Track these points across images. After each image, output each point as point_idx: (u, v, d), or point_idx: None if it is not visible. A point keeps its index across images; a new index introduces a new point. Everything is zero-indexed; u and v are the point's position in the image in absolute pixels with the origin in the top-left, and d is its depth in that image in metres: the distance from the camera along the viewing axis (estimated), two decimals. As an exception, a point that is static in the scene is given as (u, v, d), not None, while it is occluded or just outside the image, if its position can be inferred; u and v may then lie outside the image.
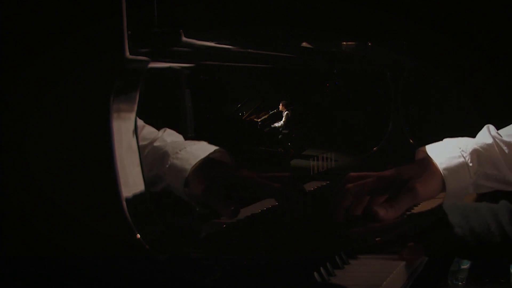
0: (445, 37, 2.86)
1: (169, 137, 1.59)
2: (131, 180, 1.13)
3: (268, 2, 1.89)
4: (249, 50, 1.54)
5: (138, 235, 1.09)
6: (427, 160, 1.65)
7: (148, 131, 1.58)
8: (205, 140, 1.60)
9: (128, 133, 1.14)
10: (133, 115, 1.15)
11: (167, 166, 1.51)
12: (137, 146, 1.16)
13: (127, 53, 1.09)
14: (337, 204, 1.57)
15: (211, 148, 1.55)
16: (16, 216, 1.14)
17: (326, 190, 1.99)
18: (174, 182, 1.52)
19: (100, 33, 1.09)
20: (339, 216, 1.57)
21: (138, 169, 1.15)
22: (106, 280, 1.11)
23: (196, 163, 1.50)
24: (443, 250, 1.39)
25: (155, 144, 1.56)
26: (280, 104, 2.01)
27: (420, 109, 2.88)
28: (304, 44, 1.94)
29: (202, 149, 1.54)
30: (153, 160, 1.53)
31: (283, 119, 2.00)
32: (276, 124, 1.98)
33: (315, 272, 1.23)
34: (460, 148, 1.66)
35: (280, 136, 1.99)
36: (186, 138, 1.63)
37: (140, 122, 1.55)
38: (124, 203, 1.09)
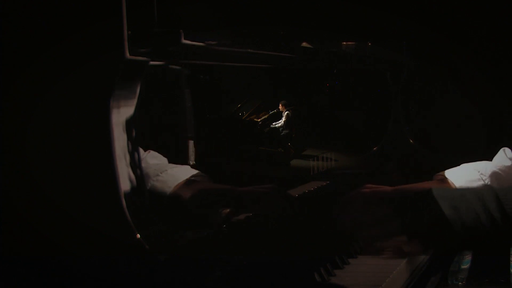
0: (445, 37, 2.86)
1: (152, 160, 1.59)
2: (131, 181, 1.13)
3: (268, 2, 1.89)
4: (249, 50, 1.54)
5: (138, 235, 1.09)
6: (446, 182, 1.66)
7: None
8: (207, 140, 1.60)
9: (128, 133, 1.13)
10: (133, 116, 1.15)
11: (147, 188, 1.51)
12: (137, 146, 1.16)
13: (127, 53, 1.09)
14: (345, 206, 1.56)
15: (192, 171, 1.55)
16: (16, 216, 1.14)
17: (328, 191, 1.99)
18: (155, 203, 1.52)
19: (100, 33, 1.10)
20: (346, 222, 1.55)
21: (138, 169, 1.15)
22: (106, 280, 1.11)
23: (175, 186, 1.50)
24: (438, 246, 1.37)
25: None
26: (280, 104, 2.01)
27: (420, 109, 2.87)
28: (304, 44, 1.94)
29: (183, 172, 1.54)
30: None
31: (283, 119, 2.00)
32: (276, 124, 1.98)
33: (315, 272, 1.23)
34: (479, 172, 1.68)
35: (280, 136, 1.99)
36: (186, 139, 1.63)
37: None
38: (124, 203, 1.09)
